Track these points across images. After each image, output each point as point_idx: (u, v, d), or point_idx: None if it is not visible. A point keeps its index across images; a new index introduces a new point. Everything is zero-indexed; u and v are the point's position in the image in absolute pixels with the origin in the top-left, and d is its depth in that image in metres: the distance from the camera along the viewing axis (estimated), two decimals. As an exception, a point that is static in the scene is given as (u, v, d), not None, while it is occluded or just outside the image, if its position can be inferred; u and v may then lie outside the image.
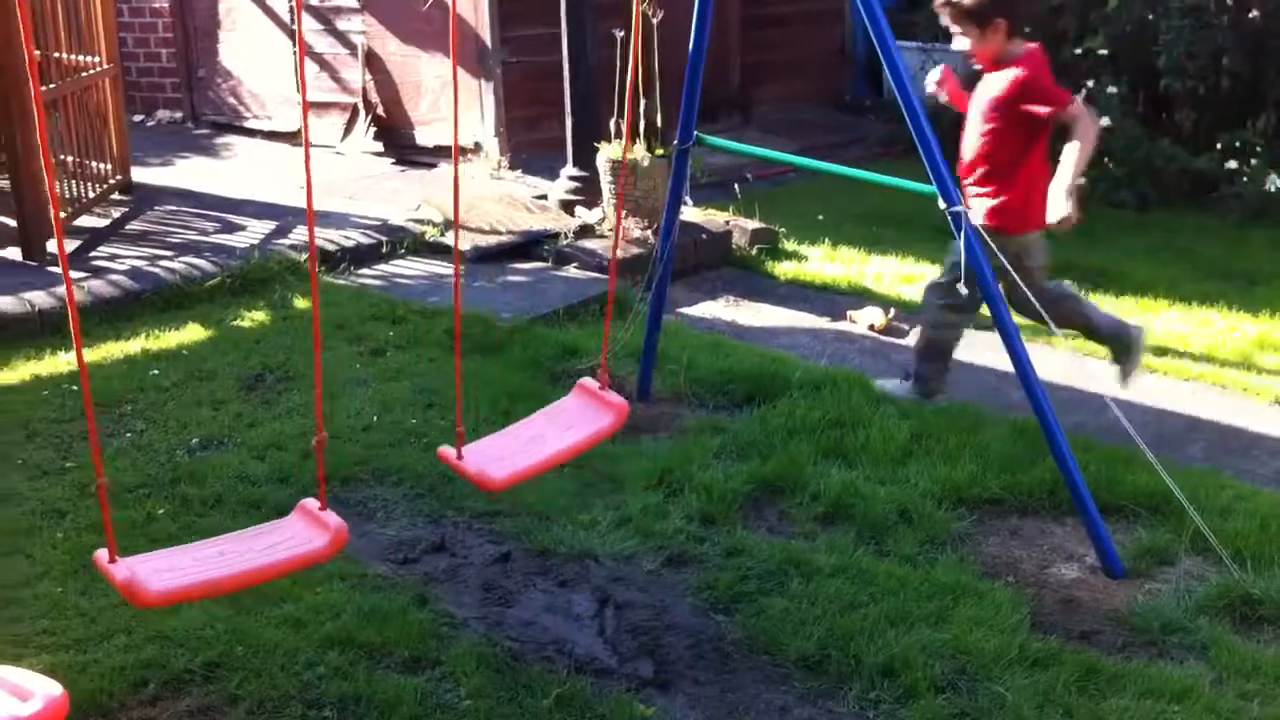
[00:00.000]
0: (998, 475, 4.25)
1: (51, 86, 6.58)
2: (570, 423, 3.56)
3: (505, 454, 3.44)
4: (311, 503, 3.04)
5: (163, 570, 2.82)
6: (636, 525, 3.97)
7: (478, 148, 8.51)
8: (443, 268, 6.59)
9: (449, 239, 6.86)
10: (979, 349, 5.51)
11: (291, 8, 9.49)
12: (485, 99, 8.49)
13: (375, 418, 4.70)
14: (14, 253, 6.37)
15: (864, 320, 5.97)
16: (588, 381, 3.69)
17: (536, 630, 3.48)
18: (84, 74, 7.14)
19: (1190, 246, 7.20)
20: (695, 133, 4.59)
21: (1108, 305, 6.10)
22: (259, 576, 2.92)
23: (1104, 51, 8.16)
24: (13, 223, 6.46)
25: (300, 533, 3.00)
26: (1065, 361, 5.05)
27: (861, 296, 6.34)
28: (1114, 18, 8.14)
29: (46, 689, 2.60)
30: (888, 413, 4.69)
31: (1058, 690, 3.19)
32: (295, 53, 9.54)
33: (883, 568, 3.72)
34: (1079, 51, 8.24)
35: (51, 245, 6.38)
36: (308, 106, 9.13)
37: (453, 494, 4.17)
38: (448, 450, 3.38)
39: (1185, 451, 4.58)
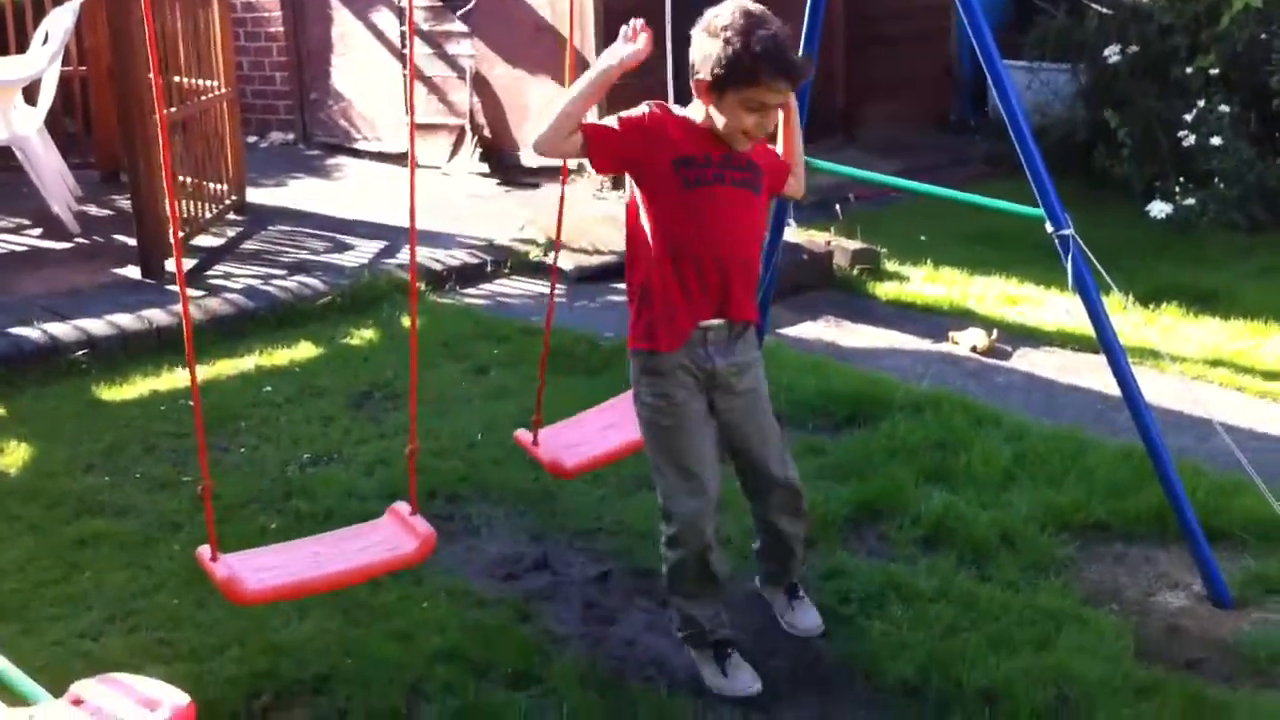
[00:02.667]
0: (1103, 500, 4.20)
1: (173, 110, 6.80)
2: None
3: (577, 442, 3.58)
4: (403, 506, 3.12)
5: (260, 569, 2.91)
6: (736, 546, 3.99)
7: (582, 169, 8.59)
8: (545, 287, 6.66)
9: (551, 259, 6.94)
10: (1084, 371, 5.46)
11: (402, 32, 9.68)
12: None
13: (479, 435, 4.78)
14: (134, 271, 6.57)
15: (966, 341, 5.93)
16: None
17: (637, 649, 3.51)
18: (203, 98, 7.36)
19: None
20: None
21: (1216, 329, 6.01)
22: (350, 578, 3.03)
23: (1215, 71, 8.02)
24: (133, 242, 6.67)
25: (391, 536, 3.09)
26: (1172, 385, 4.97)
27: (964, 317, 6.30)
28: (1226, 36, 8.00)
29: (174, 698, 2.69)
30: (991, 436, 4.66)
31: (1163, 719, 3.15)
32: (405, 76, 9.73)
33: (984, 592, 3.70)
34: (1190, 70, 8.11)
35: (170, 264, 6.58)
36: (415, 129, 9.32)
37: (555, 511, 4.23)
38: (524, 434, 3.58)
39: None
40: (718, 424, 3.34)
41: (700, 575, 3.30)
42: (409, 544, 3.05)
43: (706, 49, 3.10)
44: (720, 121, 3.14)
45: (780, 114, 3.41)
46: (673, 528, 3.26)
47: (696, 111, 3.21)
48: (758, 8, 3.13)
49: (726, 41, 3.04)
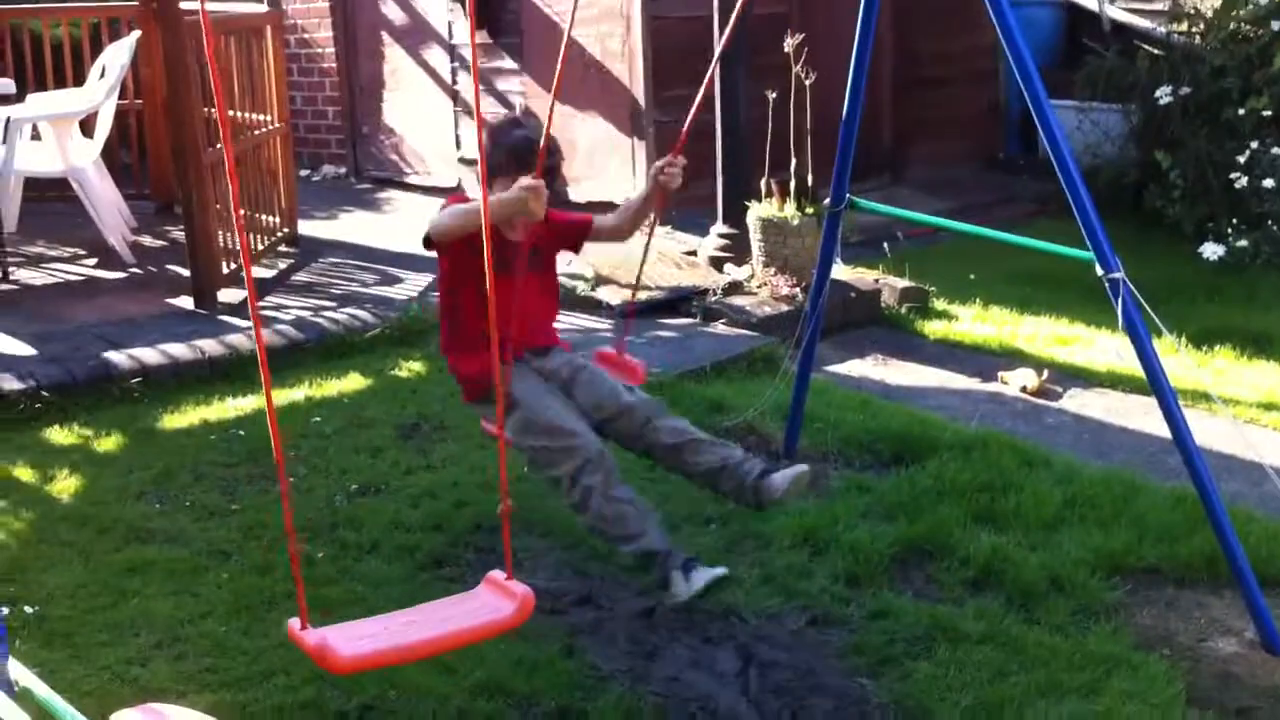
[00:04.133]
0: (1154, 544, 4.16)
1: (221, 146, 6.88)
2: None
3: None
4: (498, 574, 3.08)
5: (354, 638, 2.87)
6: (781, 583, 3.98)
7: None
8: (593, 322, 6.70)
9: (600, 293, 6.97)
10: (1135, 414, 5.42)
11: (453, 68, 9.78)
12: (638, 157, 8.62)
13: (525, 469, 4.78)
14: (186, 301, 6.64)
15: (1016, 382, 5.90)
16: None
17: (681, 686, 3.50)
18: (257, 132, 7.45)
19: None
20: (848, 195, 4.61)
21: (1269, 372, 5.95)
22: (450, 642, 2.96)
23: (1268, 112, 7.97)
24: (186, 273, 6.75)
25: (488, 602, 3.04)
26: (1224, 429, 4.92)
27: (1013, 357, 6.26)
28: (1278, 78, 7.95)
29: None
30: (1040, 477, 4.63)
31: (1215, 769, 3.10)
32: (456, 111, 9.82)
33: (1033, 636, 3.66)
34: (1242, 112, 8.06)
35: (222, 295, 6.65)
36: (470, 164, 9.39)
37: (600, 548, 4.22)
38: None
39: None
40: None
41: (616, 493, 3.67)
42: (507, 606, 3.00)
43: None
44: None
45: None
46: (575, 461, 3.64)
47: None
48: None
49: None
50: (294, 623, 2.84)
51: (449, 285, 3.96)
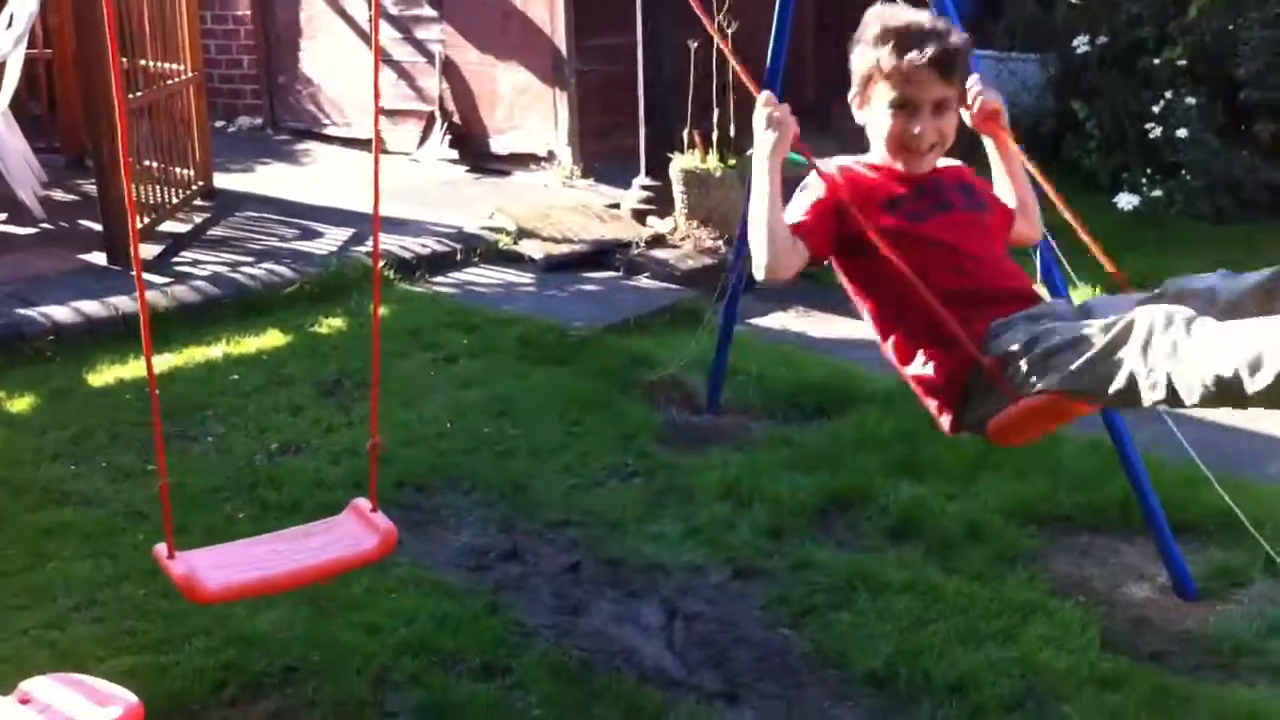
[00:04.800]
0: (1069, 492, 4.23)
1: (138, 95, 6.74)
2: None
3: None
4: (363, 503, 3.10)
5: (219, 567, 2.88)
6: (705, 536, 4.00)
7: (551, 156, 8.57)
8: (516, 276, 6.67)
9: (523, 247, 6.93)
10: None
11: (371, 16, 9.62)
12: (559, 107, 8.55)
13: (449, 424, 4.77)
14: (100, 257, 6.51)
15: (936, 332, 5.94)
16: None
17: (606, 640, 3.52)
18: (169, 82, 7.29)
19: (1274, 260, 7.08)
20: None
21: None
22: (309, 576, 2.99)
23: (1183, 62, 8.06)
24: (99, 227, 6.61)
25: (351, 532, 3.06)
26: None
27: (934, 308, 6.31)
28: (1193, 27, 8.04)
29: (125, 697, 2.68)
30: (958, 427, 4.68)
31: (1128, 711, 3.17)
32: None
33: (952, 584, 3.72)
34: (1157, 61, 8.15)
35: (136, 250, 6.52)
36: (380, 113, 9.27)
37: (525, 502, 4.22)
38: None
39: (1265, 470, 4.53)
40: None
41: None
42: (369, 541, 3.03)
43: (851, 63, 2.79)
44: (877, 134, 2.76)
45: (994, 148, 3.02)
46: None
47: (873, 153, 2.82)
48: (898, 5, 2.80)
49: (858, 41, 2.76)
50: (160, 549, 2.82)
51: (878, 295, 2.77)
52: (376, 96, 3.19)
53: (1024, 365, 2.43)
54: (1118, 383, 2.26)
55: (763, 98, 2.71)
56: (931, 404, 2.72)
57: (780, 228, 2.62)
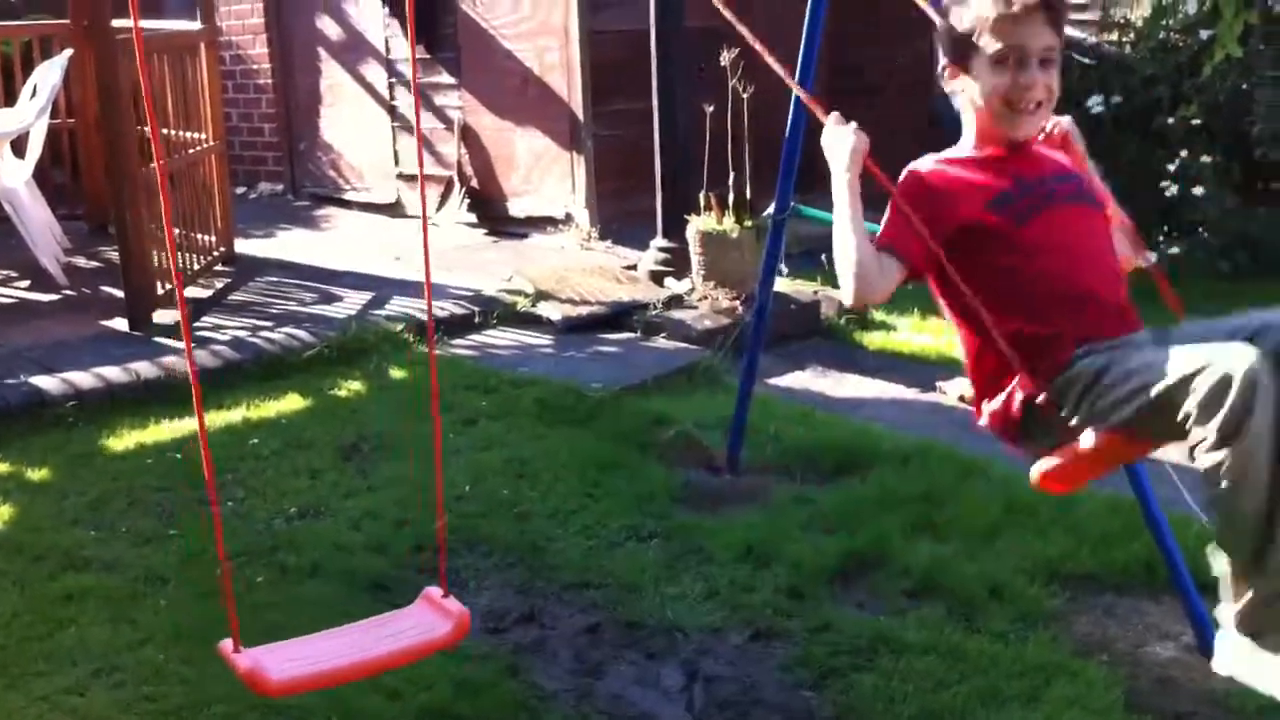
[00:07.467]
0: (1092, 551, 4.20)
1: (162, 163, 6.81)
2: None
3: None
4: (435, 591, 3.06)
5: (286, 660, 2.84)
6: (725, 598, 3.98)
7: (569, 219, 8.63)
8: (534, 338, 6.69)
9: (541, 309, 6.96)
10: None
11: (391, 84, 9.74)
12: (577, 171, 8.62)
13: (467, 487, 4.77)
14: (121, 323, 6.56)
15: (954, 391, 5.95)
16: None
17: (625, 704, 3.49)
18: (191, 150, 7.38)
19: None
20: (792, 203, 4.62)
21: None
22: (385, 663, 2.94)
23: (1197, 121, 8.09)
24: (120, 294, 6.66)
25: (424, 620, 3.01)
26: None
27: (951, 367, 6.29)
28: (1208, 87, 8.08)
29: None
30: (979, 486, 4.66)
31: (1154, 773, 3.14)
32: (394, 126, 9.78)
33: (973, 645, 3.68)
34: (1172, 121, 8.18)
35: (157, 316, 6.57)
36: (407, 180, 9.35)
37: (543, 564, 4.21)
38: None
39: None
40: None
41: None
42: (443, 627, 2.98)
43: (941, 32, 2.76)
44: (976, 97, 2.67)
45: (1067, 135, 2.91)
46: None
47: (964, 143, 2.79)
48: None
49: (954, 3, 2.70)
50: (226, 644, 2.80)
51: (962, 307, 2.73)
52: (420, 164, 3.19)
53: (1085, 393, 2.47)
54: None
55: (832, 118, 2.73)
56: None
57: (868, 252, 2.63)
